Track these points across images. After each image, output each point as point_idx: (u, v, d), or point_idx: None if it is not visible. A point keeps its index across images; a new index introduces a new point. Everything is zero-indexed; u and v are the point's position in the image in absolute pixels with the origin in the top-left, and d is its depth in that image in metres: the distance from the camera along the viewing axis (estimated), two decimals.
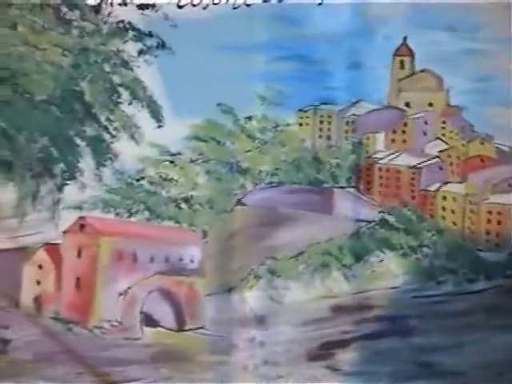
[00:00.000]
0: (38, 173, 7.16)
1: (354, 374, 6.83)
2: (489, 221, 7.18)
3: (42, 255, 6.99)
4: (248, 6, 7.02)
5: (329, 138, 7.43)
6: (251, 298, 7.04)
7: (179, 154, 7.20)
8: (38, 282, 6.97)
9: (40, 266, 6.97)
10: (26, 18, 7.01)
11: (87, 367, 6.99)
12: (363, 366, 6.86)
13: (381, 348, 6.88)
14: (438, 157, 7.48)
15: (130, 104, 7.05)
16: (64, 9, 7.02)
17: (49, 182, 7.25)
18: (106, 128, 7.08)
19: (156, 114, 7.09)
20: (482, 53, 7.23)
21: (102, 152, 7.09)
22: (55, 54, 7.13)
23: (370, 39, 7.15)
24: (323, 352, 6.92)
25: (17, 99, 6.97)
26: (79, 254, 7.00)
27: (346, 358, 6.85)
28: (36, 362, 6.76)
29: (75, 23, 7.04)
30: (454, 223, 7.22)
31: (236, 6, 7.01)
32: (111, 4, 7.06)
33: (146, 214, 7.22)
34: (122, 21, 7.03)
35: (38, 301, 6.96)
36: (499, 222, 7.19)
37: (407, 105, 7.40)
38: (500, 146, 7.29)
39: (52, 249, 7.01)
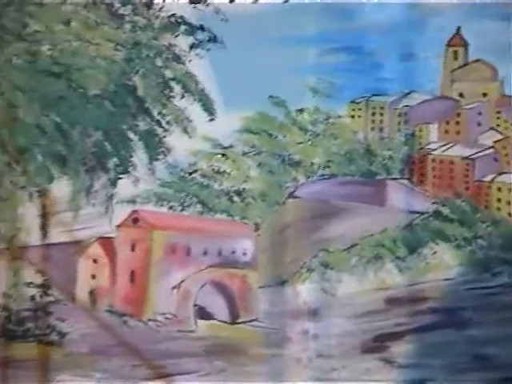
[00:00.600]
0: (92, 167, 7.09)
1: (409, 366, 6.80)
2: None
3: (96, 249, 7.07)
4: None
5: (381, 129, 7.33)
6: (304, 291, 7.03)
7: (231, 146, 7.24)
8: (93, 276, 7.05)
9: (94, 260, 7.06)
10: (79, 13, 7.03)
11: (142, 360, 6.90)
12: (418, 358, 6.84)
13: (435, 340, 6.84)
14: (492, 147, 7.29)
15: (182, 98, 7.08)
16: (116, 4, 7.04)
17: (102, 176, 7.14)
18: (158, 122, 7.12)
19: (208, 108, 7.10)
20: None
21: (155, 146, 7.12)
22: (108, 49, 7.03)
23: (422, 30, 7.10)
24: (377, 344, 6.92)
25: (71, 94, 6.94)
26: (133, 248, 7.06)
27: (400, 350, 6.84)
28: (92, 354, 6.83)
29: (127, 18, 7.06)
30: (510, 214, 7.12)
31: None
32: None
33: (199, 207, 7.26)
34: (174, 15, 7.06)
35: (93, 294, 7.03)
36: None
37: (461, 95, 7.27)
38: None
39: (106, 243, 7.08)
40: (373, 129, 7.41)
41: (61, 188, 6.99)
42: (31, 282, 6.82)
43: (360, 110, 7.41)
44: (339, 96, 7.20)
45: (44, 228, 6.90)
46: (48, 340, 6.81)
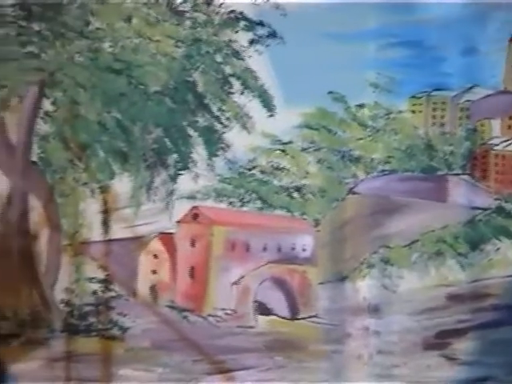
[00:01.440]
0: (153, 163, 7.15)
1: (471, 363, 6.78)
2: None
3: (156, 245, 7.13)
4: None
5: (442, 125, 7.28)
6: (364, 287, 7.03)
7: (290, 142, 7.23)
8: (154, 272, 7.11)
9: (155, 256, 7.11)
10: (140, 10, 7.09)
11: (203, 355, 6.93)
12: (480, 355, 6.80)
13: (498, 338, 6.79)
14: None
15: (241, 94, 7.09)
16: (177, 1, 7.08)
17: (163, 172, 7.20)
18: (217, 118, 7.14)
19: (267, 104, 7.09)
20: None
21: (214, 142, 7.15)
22: (168, 46, 7.08)
23: (484, 24, 7.07)
24: (439, 341, 6.87)
25: (131, 91, 7.00)
26: (193, 244, 7.12)
27: (462, 347, 6.81)
28: (153, 349, 6.86)
29: (187, 14, 7.08)
30: None
31: None
32: None
33: (258, 203, 7.29)
34: (234, 11, 7.05)
35: (153, 290, 7.09)
36: None
37: None
38: None
39: (166, 238, 7.13)
40: (434, 124, 7.31)
41: (122, 184, 7.02)
42: (93, 277, 6.85)
43: (421, 105, 7.30)
44: (400, 91, 7.13)
45: (105, 224, 6.91)
46: (110, 335, 6.82)
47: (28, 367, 6.69)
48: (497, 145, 7.23)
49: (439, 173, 7.43)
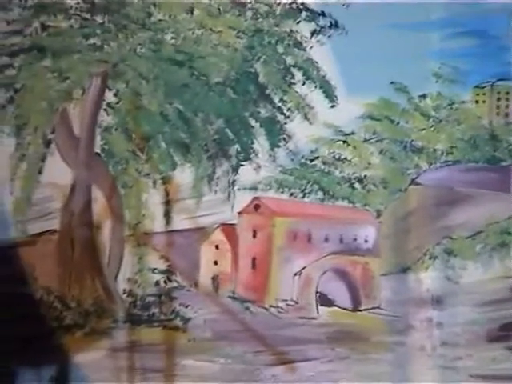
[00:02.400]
0: (214, 154, 7.09)
1: None
2: None
3: (218, 235, 7.07)
4: None
5: (507, 115, 7.08)
6: (427, 279, 6.92)
7: (352, 133, 7.13)
8: (216, 262, 7.05)
9: (217, 247, 7.06)
10: (202, 2, 7.00)
11: (265, 346, 6.87)
12: None
13: None
14: None
15: (303, 84, 6.98)
16: None
17: (224, 163, 7.13)
18: (279, 109, 7.05)
19: (329, 94, 6.99)
20: None
21: (276, 133, 7.06)
22: (230, 37, 7.00)
23: None
24: (503, 333, 6.77)
25: (193, 82, 6.93)
26: (254, 235, 7.05)
27: None
28: (215, 340, 6.82)
29: (249, 5, 6.98)
30: None
31: None
32: None
33: (320, 194, 7.18)
34: (295, 1, 6.96)
35: (215, 280, 7.04)
36: None
37: None
38: None
39: (228, 229, 7.07)
40: (498, 114, 7.19)
41: (184, 175, 6.99)
42: (155, 268, 6.85)
43: (484, 94, 7.21)
44: (463, 81, 7.02)
45: (167, 215, 6.88)
46: (172, 325, 6.80)
47: (92, 357, 6.67)
48: None
49: (503, 163, 7.24)
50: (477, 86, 7.13)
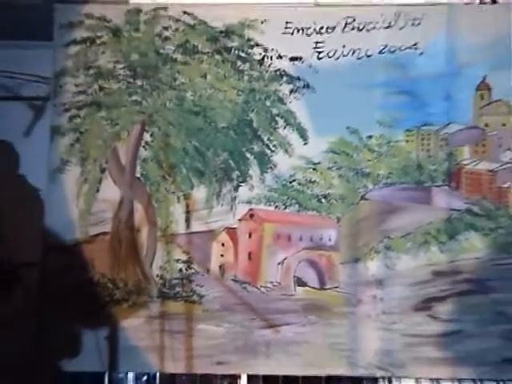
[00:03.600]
0: (221, 178, 7.68)
1: (448, 320, 7.35)
2: None
3: (224, 236, 7.61)
4: (368, 56, 7.61)
5: (428, 150, 7.73)
6: (372, 267, 7.45)
7: (319, 163, 7.69)
8: (222, 255, 7.60)
9: (223, 244, 7.60)
10: (212, 70, 7.65)
11: (257, 315, 7.54)
12: (455, 315, 7.33)
13: (469, 302, 7.33)
14: (509, 163, 7.68)
15: (284, 128, 7.60)
16: (238, 62, 7.71)
17: (228, 184, 7.70)
18: (267, 146, 7.66)
19: (303, 135, 7.62)
20: None
21: (265, 163, 7.68)
22: (232, 94, 7.63)
23: (458, 78, 7.58)
24: (425, 305, 7.37)
25: (206, 127, 7.59)
26: (250, 236, 7.61)
27: (442, 309, 7.33)
28: (221, 311, 7.47)
29: (246, 72, 7.69)
30: None
31: (360, 57, 7.61)
32: (271, 58, 7.66)
33: (296, 206, 7.72)
34: (279, 69, 7.64)
35: (221, 268, 7.64)
36: None
37: (486, 125, 7.66)
38: None
39: (231, 232, 7.63)
40: (422, 150, 7.74)
41: (199, 193, 7.59)
42: (179, 259, 7.48)
43: (413, 136, 7.74)
44: (398, 126, 7.71)
45: (187, 221, 7.52)
46: (191, 300, 7.41)
47: (134, 322, 7.51)
48: (467, 164, 7.72)
49: (426, 185, 7.78)
50: (407, 130, 7.68)
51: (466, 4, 7.67)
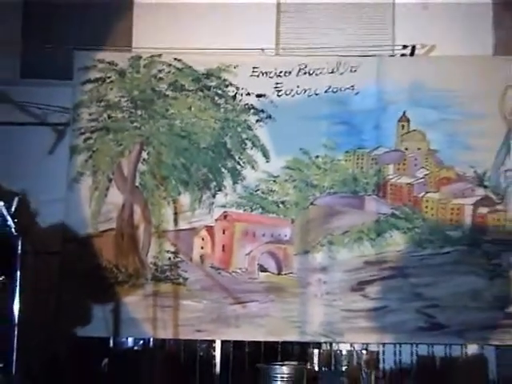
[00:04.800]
0: (202, 187, 8.47)
1: (377, 298, 8.25)
2: (452, 213, 8.40)
3: (203, 232, 8.41)
4: (316, 95, 8.47)
5: (362, 167, 8.51)
6: (318, 257, 8.37)
7: (278, 176, 8.50)
8: (202, 247, 8.40)
9: (203, 239, 8.38)
10: (195, 103, 8.52)
11: (229, 294, 8.35)
12: (381, 294, 8.25)
13: (392, 285, 8.27)
14: (423, 178, 8.53)
15: (251, 149, 8.49)
16: (216, 98, 8.53)
17: (207, 192, 8.48)
18: (238, 162, 8.50)
19: (266, 155, 8.50)
20: (450, 121, 8.45)
21: (236, 176, 8.49)
22: (211, 123, 8.48)
23: (385, 113, 8.52)
24: (359, 287, 8.29)
25: (190, 147, 8.47)
26: (224, 232, 8.41)
27: (372, 290, 8.24)
28: (201, 290, 8.30)
29: (222, 105, 8.54)
30: (432, 215, 8.44)
31: (310, 95, 8.48)
32: (241, 94, 8.49)
33: (260, 210, 8.52)
34: (247, 104, 8.54)
35: (202, 258, 8.41)
36: (458, 214, 8.42)
37: (406, 149, 8.52)
38: (458, 172, 8.49)
39: (209, 229, 8.42)
40: (357, 167, 8.55)
41: (185, 199, 8.44)
42: (168, 250, 8.33)
43: (351, 156, 8.52)
44: (339, 149, 8.51)
45: (175, 220, 8.36)
46: (177, 282, 8.28)
47: (133, 299, 8.26)
48: (391, 178, 8.50)
49: (360, 194, 8.50)
50: (346, 152, 8.50)
51: (391, 56, 8.69)
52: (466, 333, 8.19)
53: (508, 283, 8.20)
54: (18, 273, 5.82)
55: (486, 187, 8.46)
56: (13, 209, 5.93)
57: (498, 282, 8.20)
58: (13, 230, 5.86)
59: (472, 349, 8.40)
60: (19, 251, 5.82)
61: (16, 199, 5.99)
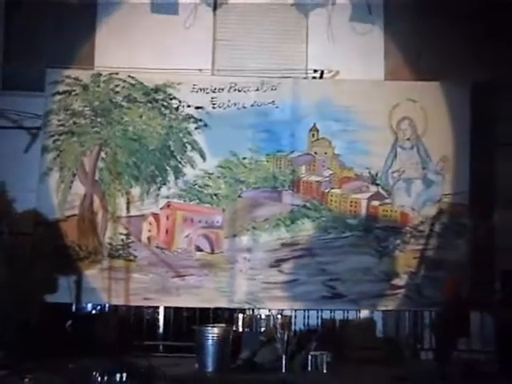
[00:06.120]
0: (150, 182, 9.50)
1: (290, 273, 9.41)
2: (351, 206, 9.55)
3: (151, 218, 9.43)
4: (244, 108, 9.55)
5: (280, 167, 9.59)
6: (244, 240, 9.52)
7: (213, 173, 9.51)
8: (149, 231, 9.42)
9: (150, 224, 9.41)
10: (146, 113, 9.54)
11: (171, 269, 9.37)
12: (295, 269, 9.41)
13: (302, 262, 9.45)
14: (328, 177, 9.65)
15: (191, 151, 9.50)
16: (162, 109, 9.54)
17: (154, 186, 9.49)
18: (180, 162, 9.50)
19: (202, 156, 9.52)
20: (350, 131, 9.52)
21: (178, 172, 9.47)
22: (158, 129, 9.51)
23: (299, 124, 9.69)
24: (276, 264, 9.46)
25: (141, 149, 9.46)
26: (167, 218, 9.38)
27: (286, 266, 9.42)
28: (148, 266, 9.30)
29: (167, 115, 9.62)
30: (336, 207, 9.64)
31: (239, 107, 9.57)
32: (183, 106, 9.50)
33: (197, 200, 9.49)
34: (188, 114, 9.56)
35: (149, 239, 9.44)
36: (355, 206, 9.62)
37: (315, 153, 9.60)
38: (356, 172, 9.65)
39: (155, 216, 9.42)
40: (276, 167, 9.62)
41: (135, 191, 9.48)
42: (121, 233, 9.38)
43: (271, 158, 9.56)
44: (262, 152, 9.61)
45: (127, 208, 9.46)
46: (128, 259, 9.38)
47: (92, 272, 9.33)
48: (304, 177, 9.57)
49: (278, 189, 9.56)
50: (267, 154, 9.58)
51: (304, 78, 10.01)
52: (360, 301, 9.42)
53: (393, 261, 9.51)
54: None
55: (377, 185, 9.67)
56: None
57: (386, 261, 9.49)
58: None
59: (364, 313, 9.73)
60: None
61: None
